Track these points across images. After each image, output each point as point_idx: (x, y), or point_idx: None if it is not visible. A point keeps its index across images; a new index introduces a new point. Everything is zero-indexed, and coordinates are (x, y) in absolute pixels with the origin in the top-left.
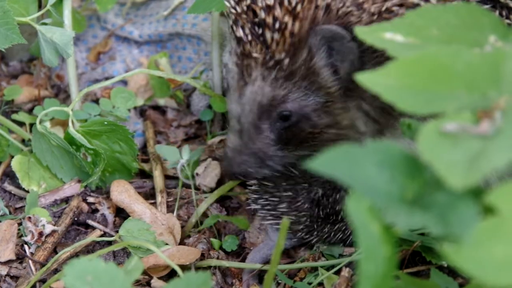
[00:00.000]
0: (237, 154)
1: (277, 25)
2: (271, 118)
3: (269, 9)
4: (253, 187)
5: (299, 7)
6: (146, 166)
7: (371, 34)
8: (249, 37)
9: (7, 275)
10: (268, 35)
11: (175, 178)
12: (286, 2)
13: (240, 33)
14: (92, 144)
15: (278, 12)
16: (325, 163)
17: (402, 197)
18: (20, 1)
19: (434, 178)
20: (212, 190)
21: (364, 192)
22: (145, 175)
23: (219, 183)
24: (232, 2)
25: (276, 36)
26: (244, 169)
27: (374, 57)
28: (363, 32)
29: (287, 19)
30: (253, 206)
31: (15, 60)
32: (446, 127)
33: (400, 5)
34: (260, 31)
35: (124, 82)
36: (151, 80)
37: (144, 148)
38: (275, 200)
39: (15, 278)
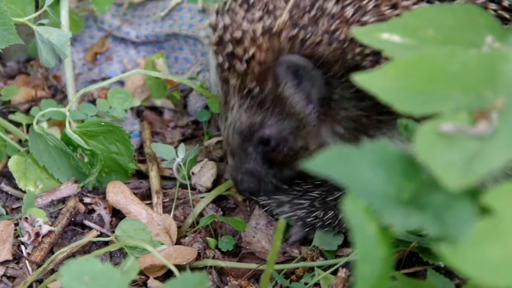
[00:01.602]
0: (236, 173)
1: (246, 56)
2: (253, 143)
3: (237, 40)
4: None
5: (264, 38)
6: (142, 167)
7: (368, 35)
8: (227, 65)
9: (4, 275)
10: (238, 65)
11: (172, 179)
12: (251, 34)
13: (219, 59)
14: (89, 145)
15: (246, 43)
16: (322, 163)
17: (399, 198)
18: (17, 1)
19: (430, 179)
20: (207, 190)
21: (360, 192)
22: (142, 175)
23: (215, 183)
24: (210, 32)
25: (246, 66)
26: (248, 186)
27: (341, 82)
28: (360, 33)
29: (254, 50)
30: (268, 204)
31: (12, 61)
32: (442, 127)
33: None
34: (233, 60)
35: (121, 83)
36: (148, 81)
37: (140, 149)
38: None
39: (11, 278)
